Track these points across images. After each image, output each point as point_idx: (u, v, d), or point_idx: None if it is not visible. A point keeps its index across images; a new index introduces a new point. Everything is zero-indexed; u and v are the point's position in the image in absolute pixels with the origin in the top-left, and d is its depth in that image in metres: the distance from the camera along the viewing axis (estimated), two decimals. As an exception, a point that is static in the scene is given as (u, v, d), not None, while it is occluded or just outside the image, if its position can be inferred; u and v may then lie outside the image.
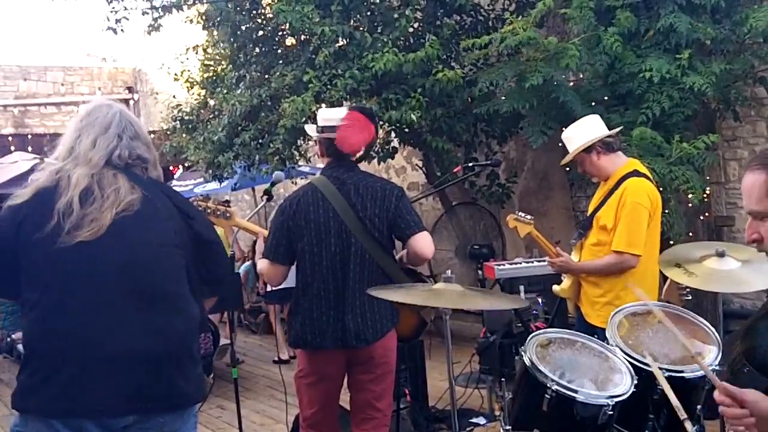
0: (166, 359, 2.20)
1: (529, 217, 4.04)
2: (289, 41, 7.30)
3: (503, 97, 5.82)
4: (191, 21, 7.87)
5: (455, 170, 5.02)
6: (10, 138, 13.66)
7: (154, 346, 2.18)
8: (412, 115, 6.08)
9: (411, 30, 6.74)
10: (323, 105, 6.21)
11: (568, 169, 6.46)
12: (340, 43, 6.45)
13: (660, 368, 2.90)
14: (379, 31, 6.56)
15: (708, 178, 5.88)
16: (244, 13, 7.12)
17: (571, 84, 5.56)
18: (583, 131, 3.80)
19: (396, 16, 6.44)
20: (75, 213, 2.16)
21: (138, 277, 2.19)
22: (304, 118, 6.07)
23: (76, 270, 2.14)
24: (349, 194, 3.22)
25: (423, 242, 3.22)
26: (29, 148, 12.46)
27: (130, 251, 2.20)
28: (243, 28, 7.22)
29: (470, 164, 5.53)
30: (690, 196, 5.06)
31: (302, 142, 7.13)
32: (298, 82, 6.50)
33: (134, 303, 2.18)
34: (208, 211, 3.54)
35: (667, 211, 5.06)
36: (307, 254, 3.22)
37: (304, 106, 6.02)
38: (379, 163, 7.38)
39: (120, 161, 2.31)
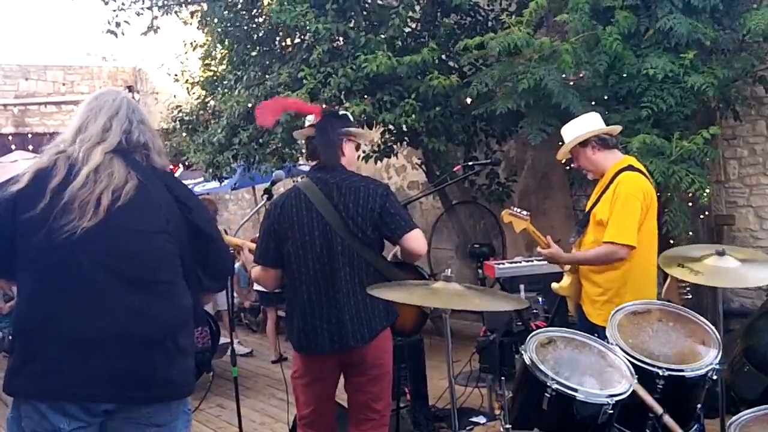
0: (150, 345, 2.18)
1: (525, 212, 3.96)
2: (286, 42, 7.29)
3: (500, 96, 5.80)
4: (185, 23, 7.85)
5: (455, 169, 5.01)
6: (10, 137, 13.66)
7: (137, 330, 2.16)
8: (407, 120, 6.08)
9: (409, 30, 6.71)
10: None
11: (568, 167, 6.45)
12: (335, 42, 6.44)
13: (660, 367, 2.91)
14: (374, 30, 6.54)
15: (708, 176, 5.86)
16: (240, 14, 7.10)
17: (572, 83, 5.54)
18: (580, 126, 3.82)
19: (392, 15, 6.42)
20: (67, 193, 2.16)
21: (126, 263, 2.19)
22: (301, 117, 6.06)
23: (63, 253, 2.14)
24: (332, 194, 3.19)
25: (415, 241, 3.20)
26: (29, 147, 12.45)
27: (120, 236, 2.19)
28: (240, 28, 7.21)
29: (470, 163, 5.53)
30: (698, 194, 5.00)
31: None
32: (293, 80, 6.49)
33: (121, 288, 2.17)
34: None
35: (669, 209, 5.04)
36: (293, 256, 3.20)
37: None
38: (376, 162, 7.37)
39: (129, 144, 2.32)
